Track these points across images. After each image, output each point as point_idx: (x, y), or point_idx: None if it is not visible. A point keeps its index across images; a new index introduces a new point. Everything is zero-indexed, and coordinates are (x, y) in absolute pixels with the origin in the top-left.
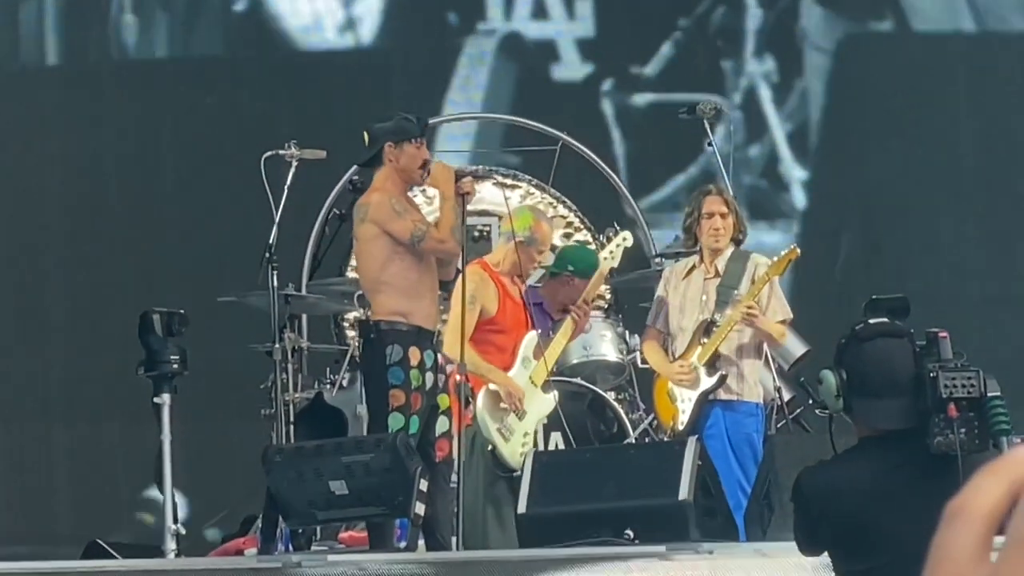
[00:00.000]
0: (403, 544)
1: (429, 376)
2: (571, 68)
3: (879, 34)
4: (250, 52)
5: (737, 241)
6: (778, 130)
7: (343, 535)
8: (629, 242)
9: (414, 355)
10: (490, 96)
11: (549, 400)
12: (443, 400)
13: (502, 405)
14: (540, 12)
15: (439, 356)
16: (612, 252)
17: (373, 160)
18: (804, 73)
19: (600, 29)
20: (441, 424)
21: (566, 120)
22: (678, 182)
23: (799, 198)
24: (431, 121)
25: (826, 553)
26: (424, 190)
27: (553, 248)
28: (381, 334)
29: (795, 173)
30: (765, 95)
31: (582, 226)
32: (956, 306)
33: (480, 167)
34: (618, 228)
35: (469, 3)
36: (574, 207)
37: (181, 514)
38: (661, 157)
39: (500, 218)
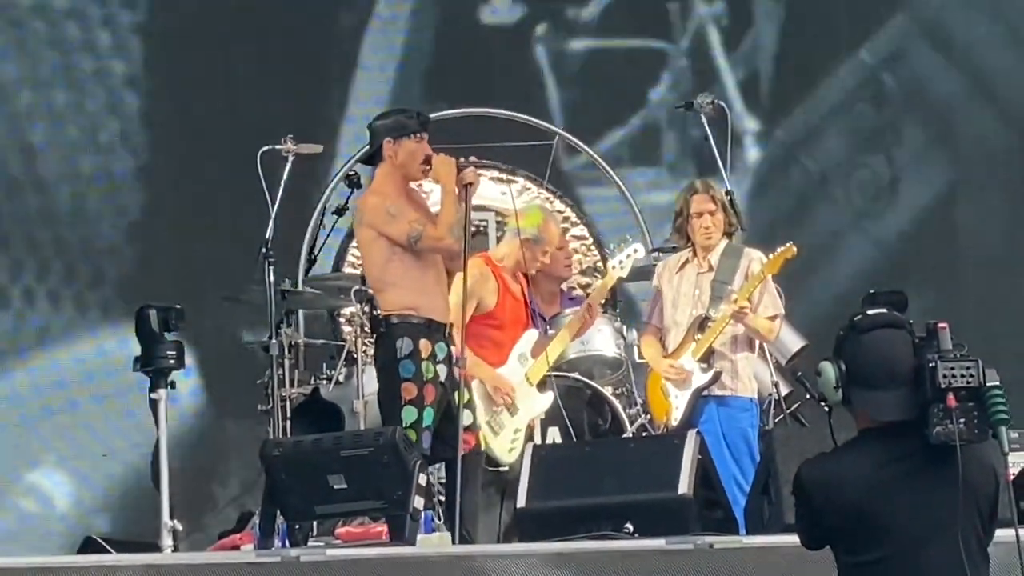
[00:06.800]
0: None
1: (442, 368)
2: (501, 10)
3: None
4: None
5: (729, 235)
6: (729, 78)
7: (339, 531)
8: (641, 254)
9: (425, 347)
10: (411, 41)
11: (544, 399)
12: (466, 393)
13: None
14: None
15: (452, 349)
16: (622, 263)
17: (374, 157)
18: (755, 17)
19: None
20: (466, 417)
21: (495, 68)
22: (618, 136)
23: (751, 152)
24: (432, 116)
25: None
26: (420, 184)
27: None
28: (391, 328)
29: (747, 124)
30: (715, 40)
31: (579, 221)
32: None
33: (478, 159)
34: (630, 239)
35: None
36: (571, 202)
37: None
38: (600, 109)
39: (497, 213)
